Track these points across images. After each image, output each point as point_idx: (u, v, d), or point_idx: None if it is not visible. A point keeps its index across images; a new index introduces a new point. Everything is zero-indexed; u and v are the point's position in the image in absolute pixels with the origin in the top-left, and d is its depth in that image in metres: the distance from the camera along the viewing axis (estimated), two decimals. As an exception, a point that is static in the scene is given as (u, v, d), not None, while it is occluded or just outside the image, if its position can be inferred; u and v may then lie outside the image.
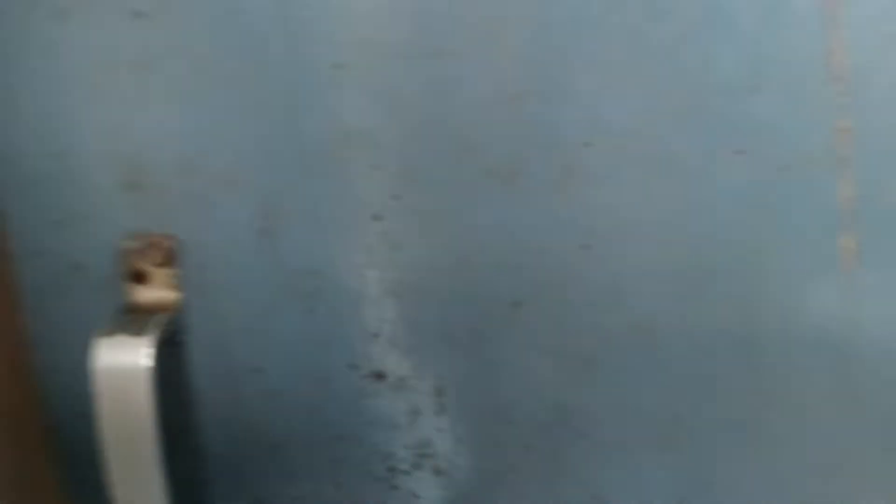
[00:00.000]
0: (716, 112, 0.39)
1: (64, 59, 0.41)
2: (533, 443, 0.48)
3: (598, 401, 0.46)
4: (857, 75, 0.38)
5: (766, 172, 0.40)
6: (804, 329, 0.42)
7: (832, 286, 0.42)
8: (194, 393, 0.47)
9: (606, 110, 0.41)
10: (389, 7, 0.40)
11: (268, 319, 0.46)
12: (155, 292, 0.45)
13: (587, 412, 0.46)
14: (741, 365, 0.44)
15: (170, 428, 0.45)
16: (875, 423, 0.44)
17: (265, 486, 0.49)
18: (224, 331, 0.46)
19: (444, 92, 0.41)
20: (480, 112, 0.41)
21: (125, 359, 0.42)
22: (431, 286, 0.45)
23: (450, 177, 0.42)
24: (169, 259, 0.45)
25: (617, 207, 0.42)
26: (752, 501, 0.47)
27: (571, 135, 0.41)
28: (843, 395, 0.44)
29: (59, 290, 0.46)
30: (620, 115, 0.41)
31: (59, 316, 0.47)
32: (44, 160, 0.44)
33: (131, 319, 0.44)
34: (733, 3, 0.38)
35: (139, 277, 0.45)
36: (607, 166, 0.41)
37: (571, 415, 0.46)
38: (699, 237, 0.42)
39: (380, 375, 0.47)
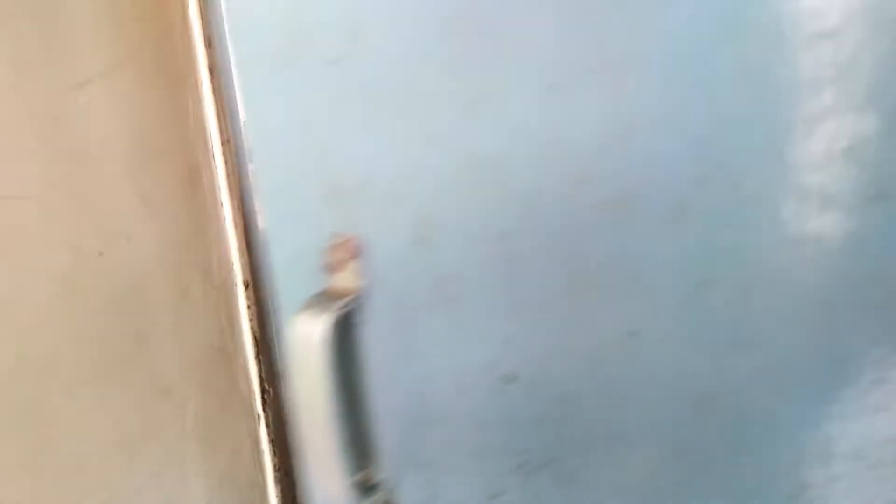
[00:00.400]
0: (856, 150, 0.35)
1: (287, 99, 0.54)
2: (653, 472, 0.48)
3: (719, 442, 0.44)
4: None
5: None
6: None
7: None
8: (369, 366, 0.57)
9: (721, 145, 0.39)
10: (514, 47, 0.44)
11: (423, 314, 0.53)
12: (345, 281, 0.56)
13: (708, 453, 0.45)
14: (880, 417, 0.38)
15: (347, 393, 0.56)
16: None
17: (423, 456, 0.58)
18: (392, 318, 0.55)
19: (563, 123, 0.43)
20: (596, 144, 0.43)
21: (310, 332, 0.54)
22: (554, 305, 0.48)
23: (568, 204, 0.45)
24: (355, 255, 0.55)
25: (737, 246, 0.40)
26: None
27: (684, 170, 0.40)
28: None
29: (289, 274, 0.60)
30: (737, 150, 0.39)
31: (285, 295, 0.61)
32: (283, 173, 0.57)
33: (324, 301, 0.56)
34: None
35: (334, 268, 0.56)
36: (723, 203, 0.40)
37: (691, 453, 0.45)
38: (832, 284, 0.38)
39: (511, 378, 0.51)
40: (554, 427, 0.51)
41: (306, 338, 0.54)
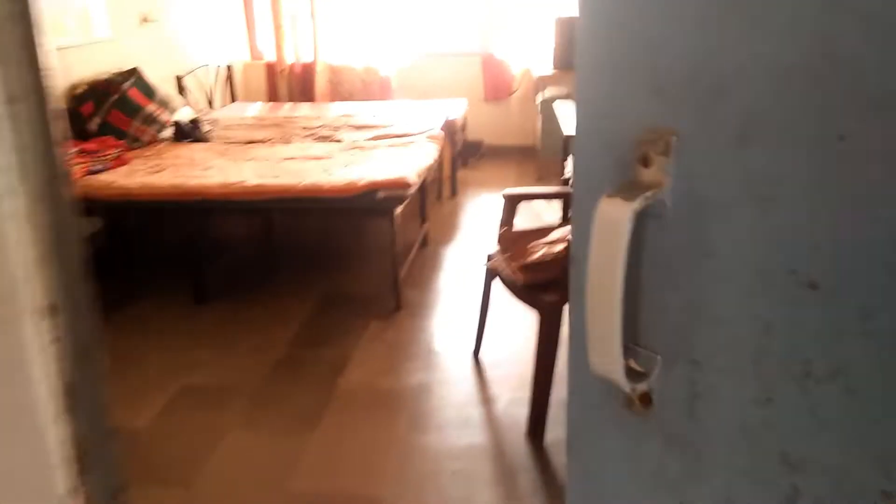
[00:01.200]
0: None
1: None
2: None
3: None
4: None
5: None
6: None
7: None
8: (658, 259, 0.60)
9: None
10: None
11: (728, 213, 0.55)
12: (652, 174, 0.60)
13: None
14: None
15: (631, 280, 0.60)
16: None
17: (695, 353, 0.60)
18: (694, 214, 0.58)
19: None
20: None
21: (614, 215, 0.58)
22: (881, 213, 0.47)
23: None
24: (667, 150, 0.58)
25: None
26: None
27: None
28: None
29: (593, 162, 0.65)
30: None
31: (589, 180, 0.66)
32: (608, 62, 0.61)
33: (631, 190, 0.59)
34: None
35: (645, 161, 0.60)
36: None
37: None
38: None
39: (813, 285, 0.52)
40: (850, 339, 0.51)
41: (610, 221, 0.58)
